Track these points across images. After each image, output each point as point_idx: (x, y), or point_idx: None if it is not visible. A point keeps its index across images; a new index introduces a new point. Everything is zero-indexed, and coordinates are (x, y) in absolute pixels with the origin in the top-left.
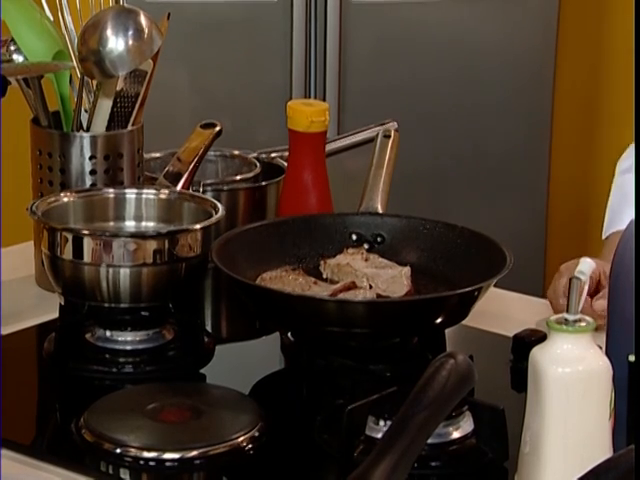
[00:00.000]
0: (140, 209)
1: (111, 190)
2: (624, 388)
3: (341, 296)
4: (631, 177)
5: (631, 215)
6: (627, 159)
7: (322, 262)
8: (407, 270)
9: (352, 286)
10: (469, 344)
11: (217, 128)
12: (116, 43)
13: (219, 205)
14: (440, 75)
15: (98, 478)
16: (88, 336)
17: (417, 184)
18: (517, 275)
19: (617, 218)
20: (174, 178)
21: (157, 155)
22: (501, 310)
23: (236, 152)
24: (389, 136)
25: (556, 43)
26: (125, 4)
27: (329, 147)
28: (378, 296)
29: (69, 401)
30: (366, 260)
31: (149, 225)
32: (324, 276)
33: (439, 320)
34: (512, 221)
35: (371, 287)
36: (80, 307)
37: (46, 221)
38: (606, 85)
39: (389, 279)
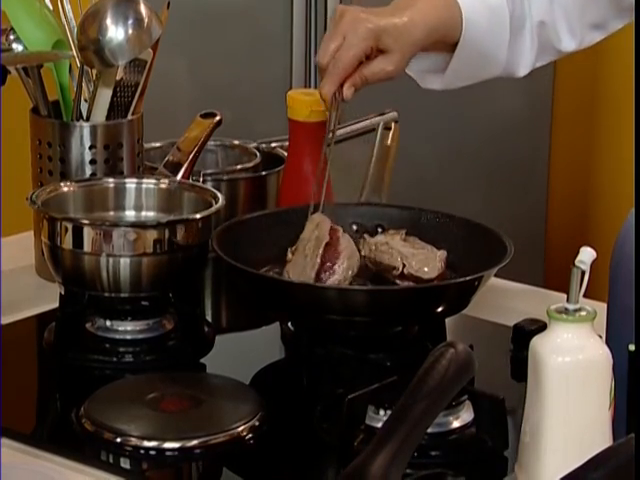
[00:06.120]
0: (140, 199)
1: (111, 180)
2: (624, 377)
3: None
4: None
5: None
6: None
7: (361, 240)
8: (442, 253)
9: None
10: (469, 333)
11: (217, 118)
12: (116, 32)
13: (219, 195)
14: None
15: (98, 467)
16: (88, 326)
17: (417, 174)
18: (517, 265)
19: None
20: (174, 168)
21: (157, 145)
22: (501, 300)
23: (236, 142)
24: (390, 128)
25: None
26: None
27: None
28: (409, 275)
29: (69, 391)
30: (405, 241)
31: (149, 215)
32: (362, 253)
33: (439, 309)
34: (512, 211)
35: (404, 265)
36: (80, 297)
37: (46, 211)
38: (607, 74)
39: (423, 259)
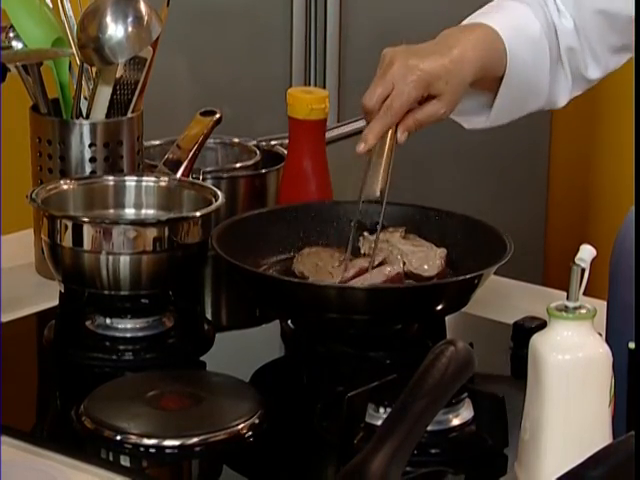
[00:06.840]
0: (140, 197)
1: (111, 178)
2: (624, 375)
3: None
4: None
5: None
6: None
7: (361, 238)
8: (442, 251)
9: (383, 262)
10: (469, 331)
11: (217, 115)
12: (115, 30)
13: (219, 193)
14: None
15: (98, 465)
16: (88, 324)
17: (416, 172)
18: (517, 263)
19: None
20: (174, 165)
21: (157, 142)
22: (501, 298)
23: (236, 140)
24: None
25: None
26: None
27: (329, 135)
28: (409, 273)
29: (69, 388)
30: (404, 238)
31: (149, 213)
32: (362, 251)
33: (439, 307)
34: (512, 209)
35: (404, 264)
36: (80, 295)
37: (46, 209)
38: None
39: (423, 257)
